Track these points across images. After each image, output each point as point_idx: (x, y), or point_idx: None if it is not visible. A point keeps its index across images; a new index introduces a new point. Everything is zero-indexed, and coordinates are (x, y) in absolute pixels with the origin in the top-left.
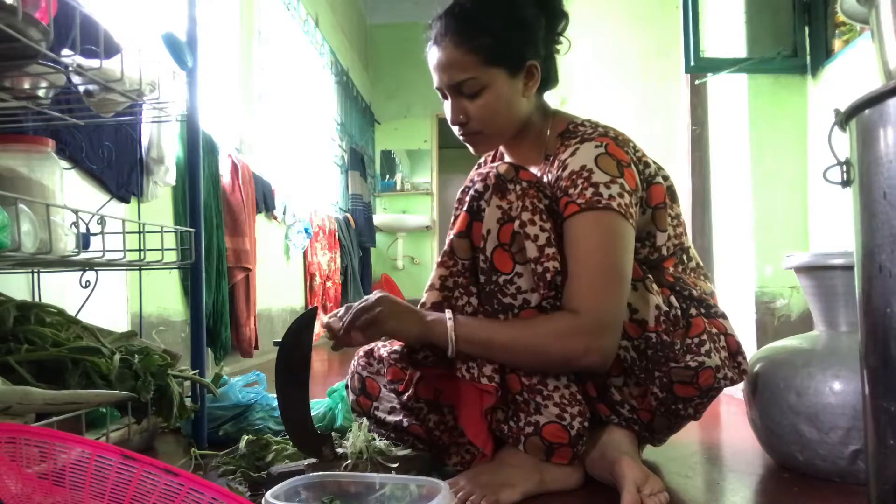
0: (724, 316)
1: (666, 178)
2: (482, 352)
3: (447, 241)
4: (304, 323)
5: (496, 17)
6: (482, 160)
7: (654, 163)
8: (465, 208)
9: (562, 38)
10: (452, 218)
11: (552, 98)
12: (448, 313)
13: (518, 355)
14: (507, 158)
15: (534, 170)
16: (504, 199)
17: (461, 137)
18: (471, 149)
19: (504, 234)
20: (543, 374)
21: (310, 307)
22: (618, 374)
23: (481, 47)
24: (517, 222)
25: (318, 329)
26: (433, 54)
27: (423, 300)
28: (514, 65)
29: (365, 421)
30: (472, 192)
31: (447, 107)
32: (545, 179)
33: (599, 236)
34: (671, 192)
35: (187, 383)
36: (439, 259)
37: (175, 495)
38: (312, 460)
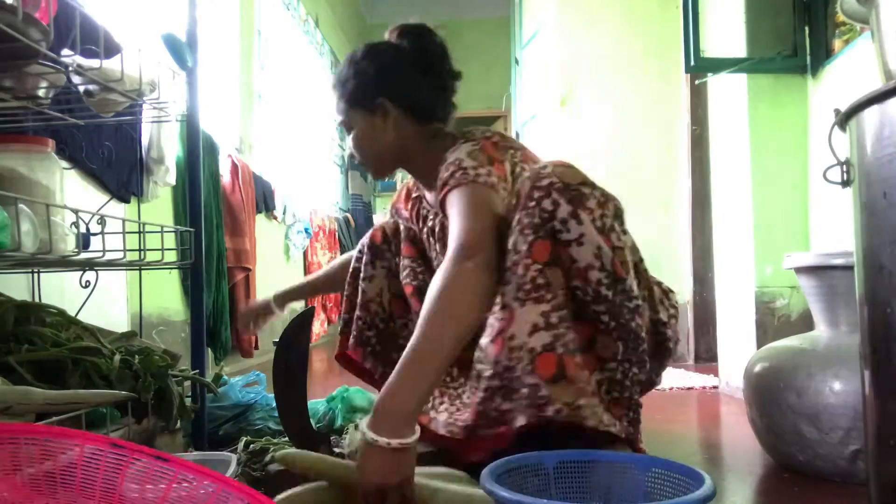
0: None
1: None
2: (428, 383)
3: (526, 273)
4: (301, 323)
5: (349, 69)
6: (406, 183)
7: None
8: (537, 235)
9: (445, 73)
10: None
11: (552, 97)
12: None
13: (444, 343)
14: (411, 178)
15: (431, 193)
16: (585, 207)
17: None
18: (369, 187)
19: (607, 245)
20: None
21: (308, 307)
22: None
23: (342, 95)
24: (614, 235)
25: (317, 329)
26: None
27: (525, 348)
28: (366, 105)
29: (361, 421)
30: (539, 214)
31: None
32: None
33: (467, 199)
34: None
35: (187, 383)
36: (520, 296)
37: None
38: None
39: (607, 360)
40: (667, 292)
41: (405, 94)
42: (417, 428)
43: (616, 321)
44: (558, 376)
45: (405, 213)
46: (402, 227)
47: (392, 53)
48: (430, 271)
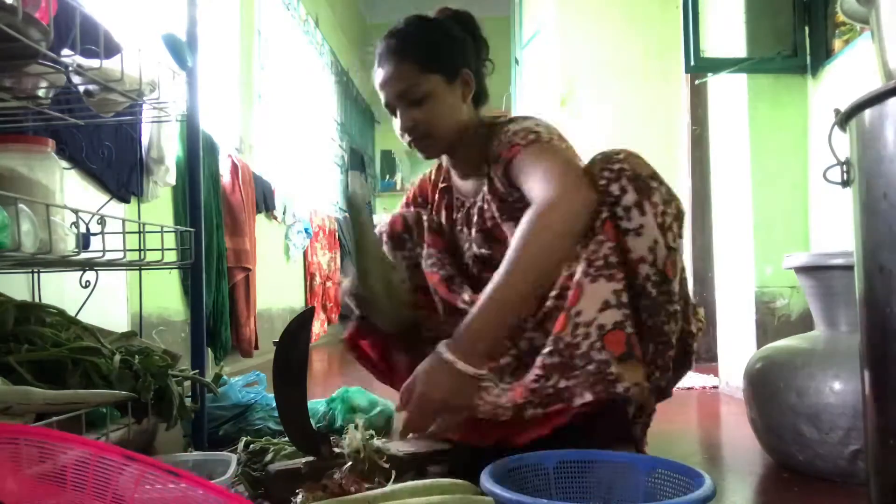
0: None
1: None
2: (506, 313)
3: (599, 250)
4: (301, 323)
5: (428, 33)
6: (423, 176)
7: None
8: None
9: (486, 63)
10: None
11: (552, 97)
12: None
13: (532, 270)
14: (451, 168)
15: (474, 179)
16: (650, 201)
17: (412, 144)
18: (420, 154)
19: (665, 244)
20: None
21: (308, 307)
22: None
23: (418, 58)
24: (671, 235)
25: (317, 329)
26: (379, 73)
27: (595, 324)
28: (449, 72)
29: (361, 421)
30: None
31: (396, 121)
32: (494, 183)
33: (551, 156)
34: None
35: (187, 383)
36: (591, 272)
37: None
38: (310, 458)
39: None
40: (695, 307)
41: (479, 72)
42: (486, 366)
43: (653, 321)
44: (627, 355)
45: (423, 213)
46: (424, 218)
47: (471, 28)
48: (458, 262)
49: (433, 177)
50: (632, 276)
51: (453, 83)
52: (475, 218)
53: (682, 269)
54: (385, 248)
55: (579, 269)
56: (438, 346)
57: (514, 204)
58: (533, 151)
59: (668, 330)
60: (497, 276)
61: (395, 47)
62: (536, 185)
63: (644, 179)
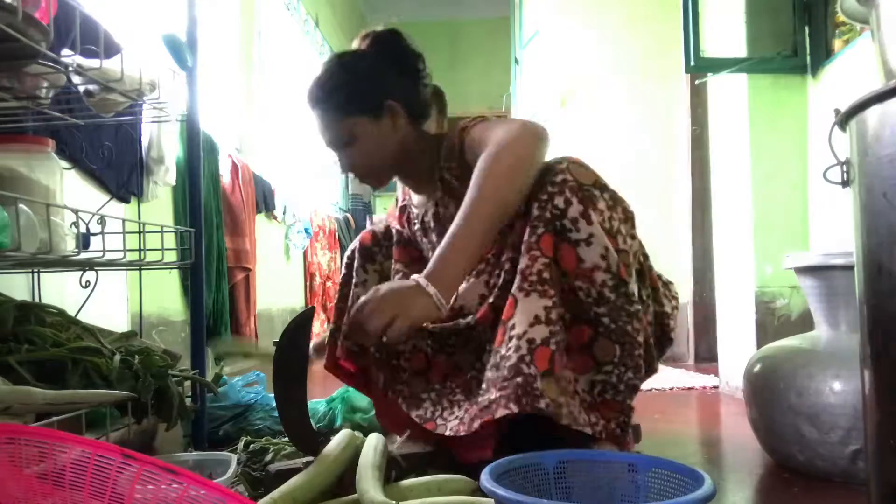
0: None
1: None
2: (470, 252)
3: (533, 265)
4: (300, 322)
5: (343, 77)
6: (395, 201)
7: None
8: (546, 229)
9: (425, 74)
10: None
11: (552, 97)
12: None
13: (490, 211)
14: (400, 188)
15: (428, 189)
16: (596, 209)
17: (358, 181)
18: (369, 188)
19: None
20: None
21: (308, 307)
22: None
23: (337, 105)
24: (620, 238)
25: (317, 329)
26: (314, 120)
27: (525, 338)
28: (371, 109)
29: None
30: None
31: (336, 161)
32: (450, 184)
33: (499, 122)
34: None
35: (187, 383)
36: (525, 287)
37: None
38: (310, 458)
39: (604, 363)
40: (667, 284)
41: (406, 94)
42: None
43: (615, 324)
44: (548, 372)
45: (396, 226)
46: (394, 233)
47: (382, 56)
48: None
49: (398, 196)
50: (588, 285)
51: (379, 118)
52: (432, 224)
53: (641, 260)
54: (357, 262)
55: (515, 284)
56: (414, 277)
57: None
58: (483, 125)
59: (631, 330)
60: (461, 209)
61: (315, 97)
62: (491, 143)
63: (587, 188)
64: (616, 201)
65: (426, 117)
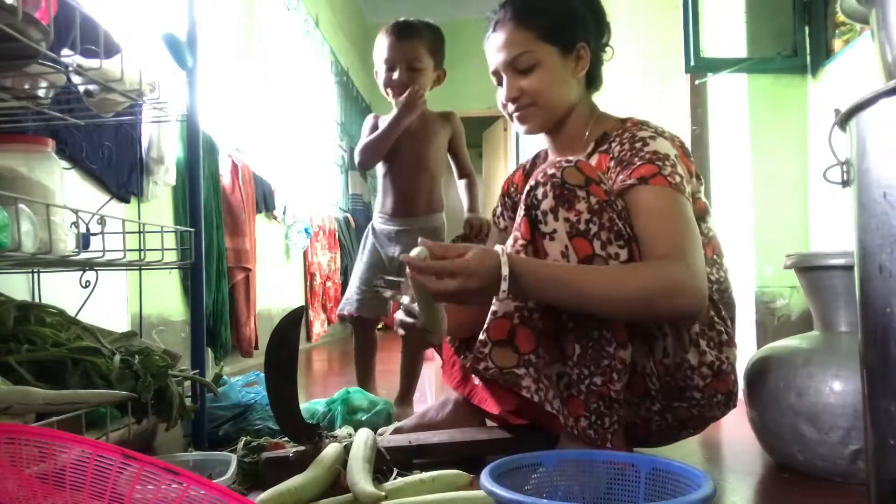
0: (729, 344)
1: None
2: (544, 292)
3: (514, 244)
4: (293, 320)
5: (550, 3)
6: (529, 160)
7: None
8: (526, 213)
9: (605, 47)
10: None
11: None
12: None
13: (590, 297)
14: (549, 150)
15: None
16: (571, 209)
17: (513, 114)
18: (520, 128)
19: (580, 251)
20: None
21: (300, 306)
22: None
23: (537, 25)
24: (597, 243)
25: (317, 329)
26: (493, 39)
27: (490, 310)
28: (565, 44)
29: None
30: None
31: (501, 90)
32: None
33: (676, 214)
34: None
35: (187, 383)
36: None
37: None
38: (301, 448)
39: (567, 357)
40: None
41: (596, 50)
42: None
43: (575, 322)
44: (505, 342)
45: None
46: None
47: (587, 4)
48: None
49: (528, 166)
50: None
51: (567, 57)
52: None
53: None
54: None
55: None
56: (505, 254)
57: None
58: (659, 196)
59: (597, 336)
60: (597, 267)
61: (516, 12)
62: (658, 243)
63: (570, 187)
64: (602, 208)
65: (595, 86)
